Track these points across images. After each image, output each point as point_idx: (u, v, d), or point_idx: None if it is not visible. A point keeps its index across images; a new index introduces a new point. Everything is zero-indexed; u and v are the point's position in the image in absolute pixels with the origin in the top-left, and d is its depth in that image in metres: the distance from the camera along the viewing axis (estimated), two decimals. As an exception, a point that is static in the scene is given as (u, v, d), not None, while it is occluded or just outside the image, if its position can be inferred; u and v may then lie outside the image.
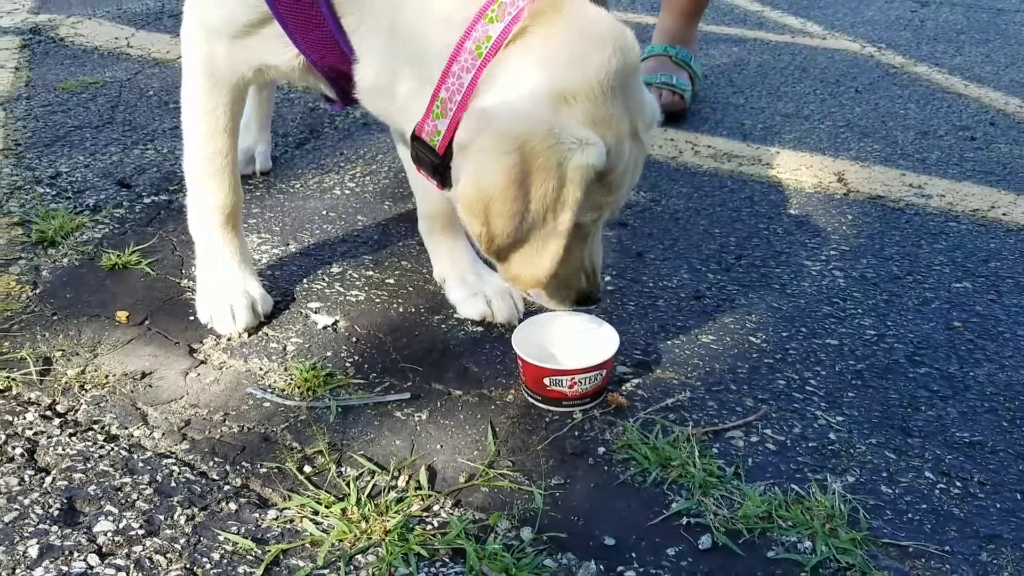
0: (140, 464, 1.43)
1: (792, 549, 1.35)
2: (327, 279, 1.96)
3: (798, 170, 2.68)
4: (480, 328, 1.84)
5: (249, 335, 1.76)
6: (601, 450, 1.53)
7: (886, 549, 1.36)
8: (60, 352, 1.69)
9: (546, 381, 1.58)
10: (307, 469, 1.44)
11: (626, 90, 1.29)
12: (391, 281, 1.97)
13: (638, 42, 1.37)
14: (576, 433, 1.57)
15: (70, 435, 1.49)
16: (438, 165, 1.40)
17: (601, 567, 1.31)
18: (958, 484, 1.49)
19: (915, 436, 1.60)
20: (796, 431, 1.60)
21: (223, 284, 1.77)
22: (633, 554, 1.33)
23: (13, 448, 1.45)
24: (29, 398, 1.57)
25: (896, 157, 2.83)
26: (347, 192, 2.33)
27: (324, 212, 2.24)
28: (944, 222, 2.41)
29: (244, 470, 1.44)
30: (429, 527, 1.35)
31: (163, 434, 1.51)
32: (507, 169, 1.24)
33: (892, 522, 1.41)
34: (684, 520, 1.40)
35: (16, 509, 1.33)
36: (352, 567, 1.27)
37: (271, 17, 1.45)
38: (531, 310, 1.85)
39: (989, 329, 1.93)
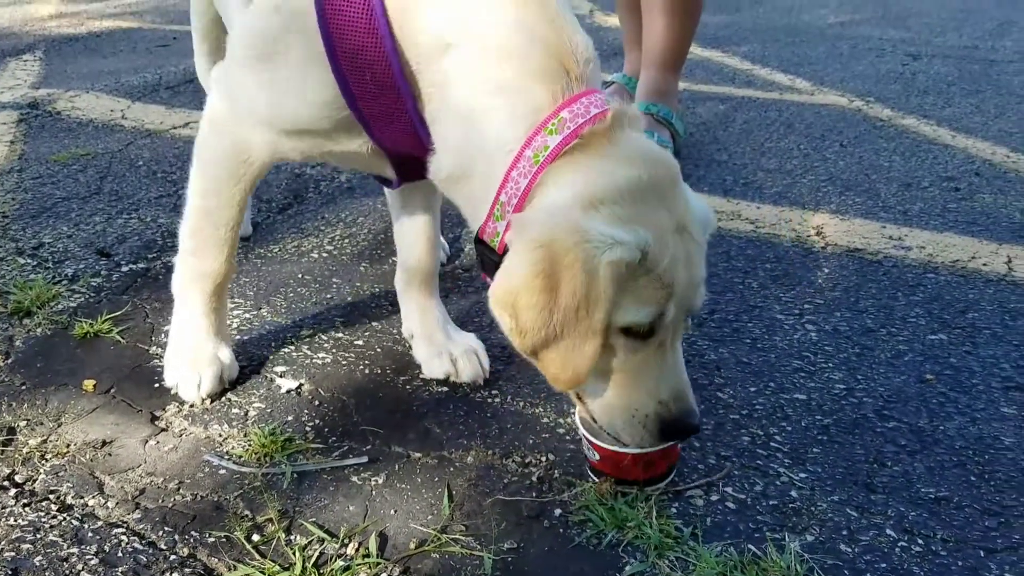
0: (90, 534, 1.43)
1: (745, 612, 1.32)
2: (295, 342, 1.97)
3: (776, 224, 2.69)
4: (445, 388, 1.83)
5: (212, 401, 1.77)
6: (558, 512, 1.52)
7: (842, 611, 1.32)
8: (25, 422, 1.70)
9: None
10: (256, 538, 1.43)
11: (663, 196, 1.35)
12: (359, 342, 1.98)
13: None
14: (533, 495, 1.55)
15: (24, 505, 1.49)
16: (496, 264, 1.42)
17: (548, 634, 1.28)
18: (920, 542, 1.46)
19: (879, 492, 1.56)
20: (757, 489, 1.57)
21: (196, 350, 1.78)
22: (582, 620, 1.31)
23: (-34, 519, 1.46)
24: (-12, 468, 1.58)
25: (877, 209, 2.83)
26: (324, 255, 2.36)
27: (300, 276, 2.26)
28: (923, 274, 2.40)
29: (192, 539, 1.43)
30: (374, 594, 1.33)
31: (117, 503, 1.51)
32: (534, 264, 1.29)
33: (850, 583, 1.37)
34: (637, 584, 1.37)
35: (-39, 581, 1.33)
36: (290, 637, 1.25)
37: (353, 121, 1.49)
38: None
39: (962, 381, 1.90)
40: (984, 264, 2.46)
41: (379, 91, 1.42)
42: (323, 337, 1.99)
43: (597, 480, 1.57)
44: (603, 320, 1.30)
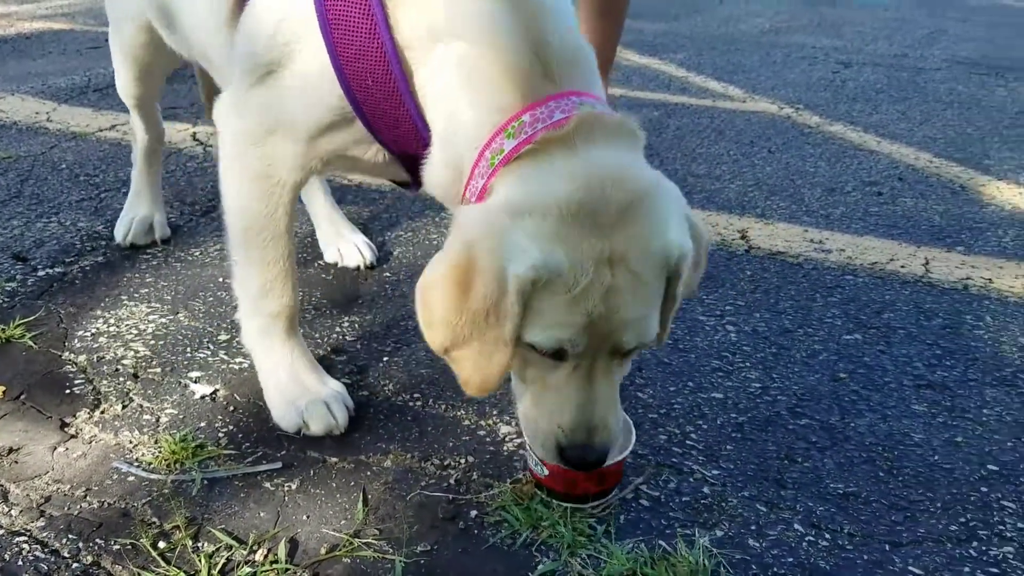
0: (-12, 544, 1.39)
1: (652, 609, 1.33)
2: (212, 347, 1.94)
3: (703, 228, 2.73)
4: (366, 392, 1.82)
5: (123, 407, 1.73)
6: (474, 513, 1.51)
7: (747, 605, 1.34)
8: (-74, 430, 1.65)
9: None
10: (162, 545, 1.40)
11: (600, 221, 1.25)
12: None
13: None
14: (450, 497, 1.55)
15: (-80, 516, 1.44)
16: None
17: (456, 635, 1.28)
18: (827, 536, 1.49)
19: (789, 488, 1.59)
20: (671, 486, 1.59)
21: (307, 387, 1.71)
22: (491, 620, 1.31)
23: None
24: None
25: (801, 214, 2.89)
26: (246, 260, 2.33)
27: (220, 279, 2.22)
28: (841, 275, 2.45)
29: (97, 547, 1.40)
30: (281, 600, 1.31)
31: (21, 511, 1.46)
32: (453, 260, 1.29)
33: (756, 577, 1.39)
34: (548, 583, 1.37)
35: None
36: (191, 645, 1.23)
37: (353, 118, 1.47)
38: (415, 373, 1.83)
39: (875, 380, 1.95)
40: (902, 266, 2.53)
41: (382, 96, 1.42)
42: (240, 342, 1.96)
43: (546, 495, 1.53)
44: (511, 332, 1.27)
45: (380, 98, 1.42)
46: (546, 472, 1.51)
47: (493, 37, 1.36)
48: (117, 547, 1.39)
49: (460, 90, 1.37)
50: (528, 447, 1.52)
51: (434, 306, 1.32)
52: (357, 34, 1.39)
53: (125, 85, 2.36)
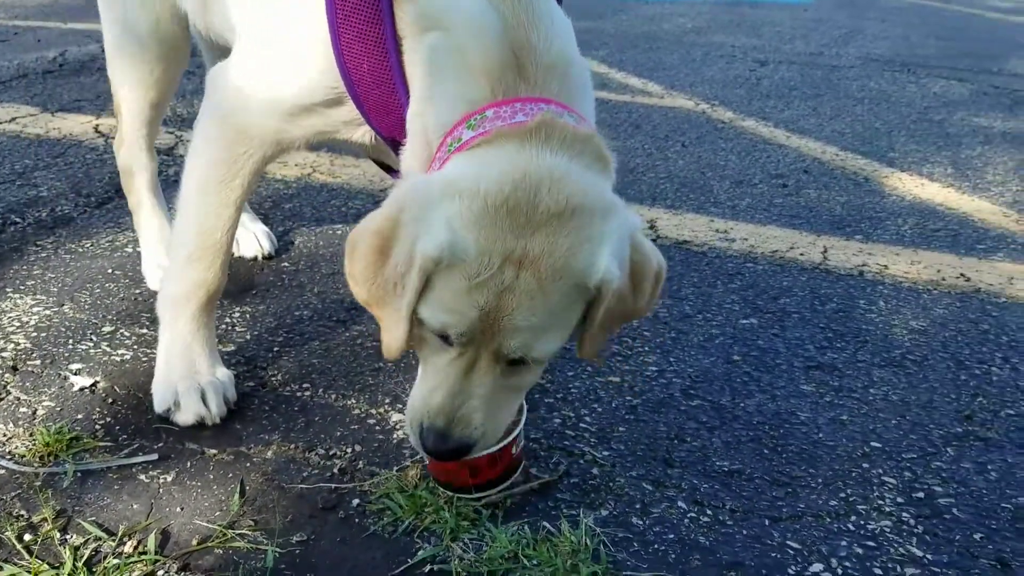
0: None
1: (530, 589, 1.32)
2: (95, 338, 1.88)
3: (611, 218, 2.74)
4: (252, 383, 1.78)
5: (-4, 401, 1.66)
6: (356, 502, 1.49)
7: (625, 582, 1.34)
8: None
9: None
10: (28, 538, 1.35)
11: (523, 224, 1.22)
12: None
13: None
14: (333, 487, 1.52)
15: None
16: None
17: (329, 622, 1.25)
18: (709, 512, 1.50)
19: (676, 467, 1.60)
20: (561, 468, 1.58)
21: (191, 370, 1.65)
22: (366, 607, 1.28)
23: None
24: None
25: (709, 205, 2.93)
26: (139, 250, 2.26)
27: (110, 271, 2.16)
28: (743, 263, 2.49)
29: (-45, 543, 1.33)
30: (147, 592, 1.27)
31: None
32: (381, 220, 1.29)
33: (637, 554, 1.40)
34: (428, 568, 1.36)
35: None
36: (44, 640, 1.18)
37: (343, 99, 1.45)
38: (306, 362, 1.80)
39: (767, 362, 1.98)
40: (801, 254, 2.57)
41: (375, 82, 1.40)
42: (126, 333, 1.90)
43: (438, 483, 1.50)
44: (409, 307, 1.27)
45: (372, 83, 1.41)
46: (426, 463, 1.49)
47: (476, 31, 1.35)
48: (-23, 543, 1.34)
49: (436, 77, 1.37)
50: None
51: (356, 255, 1.32)
52: (360, 18, 1.38)
53: (142, 98, 2.04)
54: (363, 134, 1.53)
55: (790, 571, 1.38)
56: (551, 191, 1.23)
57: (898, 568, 1.40)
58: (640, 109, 4.08)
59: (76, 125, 3.21)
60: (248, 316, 2.02)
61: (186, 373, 1.65)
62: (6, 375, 1.75)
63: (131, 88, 2.02)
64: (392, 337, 1.31)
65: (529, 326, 1.24)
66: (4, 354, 1.81)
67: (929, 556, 1.43)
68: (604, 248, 1.25)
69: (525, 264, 1.22)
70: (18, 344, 1.85)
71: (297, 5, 1.46)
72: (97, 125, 3.22)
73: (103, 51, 2.08)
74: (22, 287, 2.07)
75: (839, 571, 1.39)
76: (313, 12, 1.41)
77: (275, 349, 1.90)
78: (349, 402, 1.74)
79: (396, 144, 1.51)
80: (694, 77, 4.83)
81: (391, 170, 1.67)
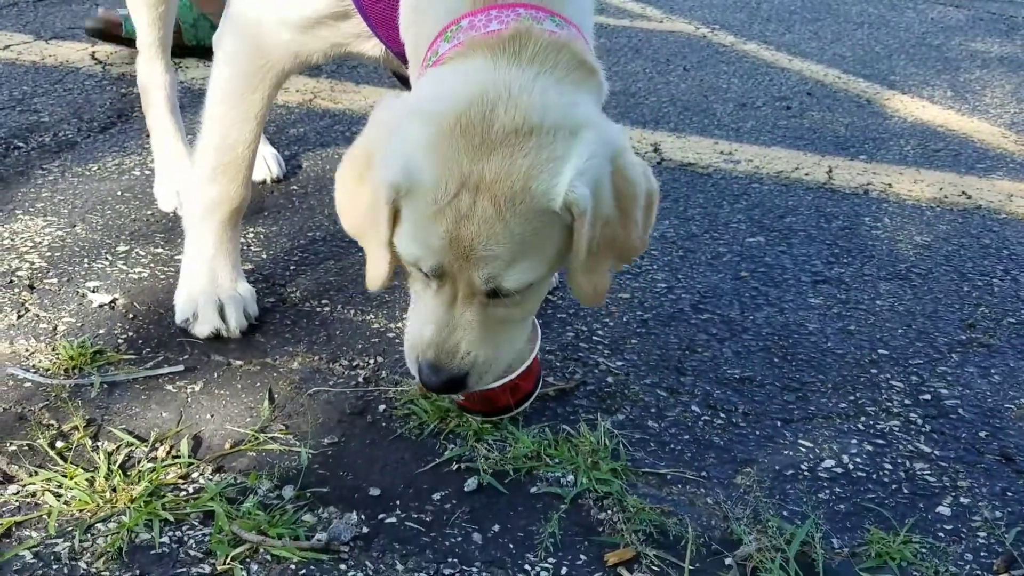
0: None
1: (555, 483, 1.37)
2: (111, 258, 1.89)
3: (616, 140, 2.74)
4: (272, 299, 1.80)
5: (18, 317, 1.68)
6: (382, 408, 1.52)
7: (645, 478, 1.39)
8: None
9: None
10: (59, 445, 1.38)
11: (479, 144, 1.15)
12: (180, 257, 1.91)
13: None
14: (359, 394, 1.55)
15: None
16: None
17: (362, 516, 1.29)
18: (722, 416, 1.54)
19: (688, 375, 1.64)
20: (577, 377, 1.62)
21: (213, 284, 1.67)
22: (397, 501, 1.33)
23: None
24: None
25: (712, 127, 2.93)
26: (147, 173, 2.26)
27: (119, 193, 2.16)
28: (748, 184, 2.51)
29: (-9, 450, 1.37)
30: (183, 493, 1.31)
31: (-92, 421, 1.42)
32: (357, 147, 1.28)
33: (654, 453, 1.44)
34: (455, 466, 1.40)
35: None
36: (89, 535, 1.21)
37: (350, 13, 1.44)
38: (323, 278, 1.82)
39: (775, 277, 2.01)
40: (806, 174, 2.59)
41: None
42: (141, 252, 1.91)
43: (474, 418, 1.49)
44: (384, 238, 1.22)
45: None
46: (461, 397, 1.45)
47: None
48: (13, 448, 1.37)
49: None
50: None
51: (339, 192, 1.31)
52: None
53: (152, 7, 2.05)
54: (373, 46, 1.53)
55: (803, 467, 1.43)
56: (508, 109, 1.15)
57: (907, 463, 1.45)
58: (639, 34, 4.04)
59: (72, 52, 3.16)
60: (263, 236, 2.03)
61: (207, 286, 1.67)
62: (23, 293, 1.76)
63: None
64: (374, 270, 1.27)
65: (493, 256, 1.17)
66: (19, 273, 1.82)
67: (937, 452, 1.48)
68: (567, 167, 1.16)
69: (481, 189, 1.15)
70: (33, 263, 1.86)
71: None
72: (94, 52, 3.17)
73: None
74: (31, 209, 2.07)
75: (850, 466, 1.44)
76: None
77: (291, 267, 1.92)
78: (368, 317, 1.77)
79: (405, 57, 1.51)
80: (693, 1, 4.76)
81: (408, 82, 1.67)
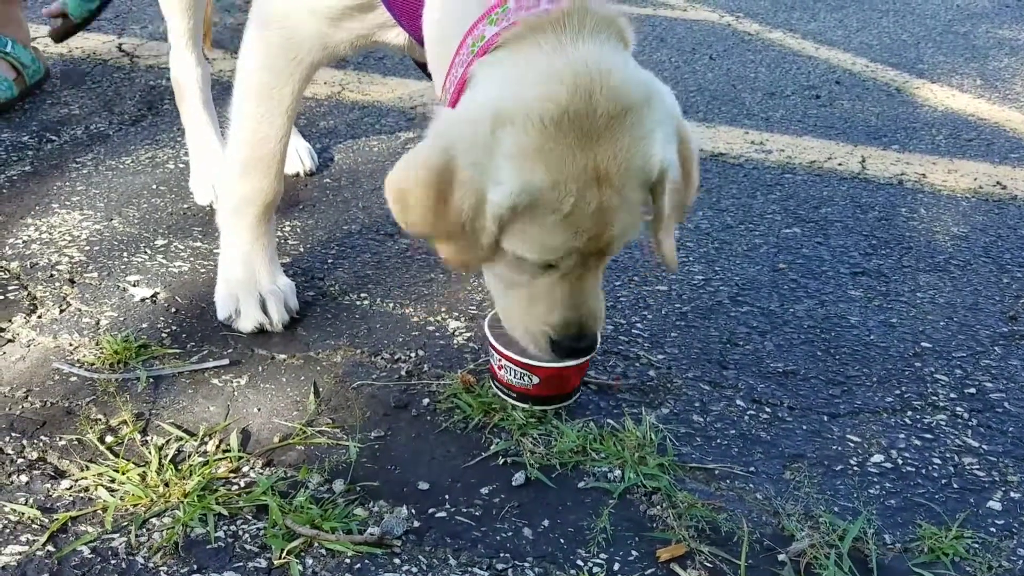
0: (-74, 445, 1.35)
1: (602, 478, 1.37)
2: (150, 251, 1.89)
3: (646, 131, 2.73)
4: (312, 293, 1.80)
5: (60, 311, 1.68)
6: (426, 401, 1.52)
7: (693, 473, 1.39)
8: None
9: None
10: (109, 439, 1.39)
11: (588, 133, 1.16)
12: (219, 251, 1.92)
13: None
14: (403, 387, 1.55)
15: None
16: None
17: (413, 511, 1.30)
18: (767, 410, 1.54)
19: (731, 369, 1.64)
20: (618, 371, 1.62)
21: (251, 279, 1.67)
22: (446, 496, 1.33)
23: None
24: None
25: (742, 117, 2.91)
26: (181, 166, 2.26)
27: (154, 186, 2.16)
28: (781, 174, 2.49)
29: (42, 444, 1.37)
30: (235, 487, 1.31)
31: (-42, 415, 1.43)
32: (431, 167, 1.20)
33: (701, 447, 1.44)
34: (501, 460, 1.40)
35: None
36: (145, 530, 1.22)
37: (375, 4, 1.44)
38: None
39: (813, 269, 2.00)
40: (839, 164, 2.57)
41: None
42: (179, 246, 1.92)
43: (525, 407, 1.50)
44: (489, 247, 1.23)
45: None
46: (536, 382, 1.46)
47: None
48: (63, 443, 1.37)
49: None
50: (505, 363, 1.47)
51: (410, 207, 1.25)
52: None
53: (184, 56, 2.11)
54: (397, 35, 1.51)
55: (851, 461, 1.42)
56: (604, 92, 1.15)
57: (956, 458, 1.44)
58: (663, 22, 4.01)
59: (99, 44, 3.16)
60: (299, 230, 2.03)
61: (246, 282, 1.67)
62: (64, 287, 1.77)
63: None
64: (469, 258, 1.27)
65: (625, 230, 1.24)
66: (59, 267, 1.83)
67: (985, 446, 1.47)
68: (656, 138, 1.20)
69: (601, 179, 1.17)
70: (72, 257, 1.86)
71: None
72: (120, 44, 3.18)
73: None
74: (67, 203, 2.08)
75: (899, 461, 1.43)
76: None
77: (329, 261, 1.92)
78: (407, 310, 1.77)
79: None
80: (715, -10, 4.73)
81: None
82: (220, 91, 2.58)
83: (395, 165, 1.27)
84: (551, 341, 1.33)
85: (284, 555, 1.20)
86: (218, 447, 1.39)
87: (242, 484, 1.32)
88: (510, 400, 1.51)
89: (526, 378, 1.47)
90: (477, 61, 1.23)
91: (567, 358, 1.37)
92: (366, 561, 1.21)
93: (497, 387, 1.52)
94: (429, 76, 1.66)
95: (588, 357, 1.45)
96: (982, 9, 4.66)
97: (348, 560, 1.21)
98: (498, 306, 1.41)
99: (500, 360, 1.48)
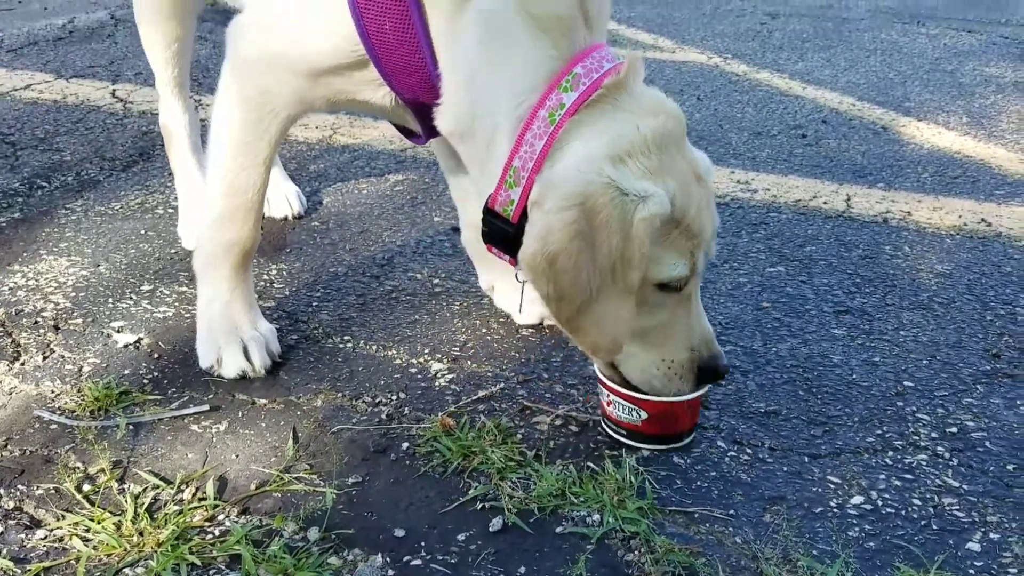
0: (-98, 495, 1.35)
1: (581, 523, 1.36)
2: (135, 297, 1.90)
3: (632, 171, 2.75)
4: (295, 336, 1.81)
5: (44, 358, 1.69)
6: (405, 445, 1.52)
7: (672, 516, 1.38)
8: None
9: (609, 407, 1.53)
10: (86, 488, 1.38)
11: (680, 145, 1.37)
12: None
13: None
14: (382, 431, 1.55)
15: None
16: (511, 236, 1.39)
17: (388, 559, 1.29)
18: (749, 451, 1.53)
19: (712, 409, 1.64)
20: (599, 412, 1.62)
21: (233, 326, 1.67)
22: (422, 543, 1.32)
23: None
24: None
25: (728, 156, 2.94)
26: (171, 211, 2.28)
27: (143, 232, 2.18)
28: (766, 213, 2.51)
29: (19, 493, 1.37)
30: (209, 536, 1.31)
31: (-63, 464, 1.43)
32: (569, 224, 1.28)
33: (681, 490, 1.43)
34: (479, 505, 1.39)
35: None
36: (117, 580, 1.22)
37: (365, 62, 1.44)
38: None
39: (796, 308, 2.01)
40: (824, 202, 2.59)
41: (397, 42, 1.39)
42: (165, 292, 1.93)
43: (612, 434, 1.54)
44: (639, 279, 1.30)
45: (396, 43, 1.39)
46: (644, 417, 1.48)
47: None
48: (40, 492, 1.37)
49: (499, 43, 1.35)
50: (613, 398, 1.50)
51: (561, 275, 1.30)
52: None
53: (159, 40, 2.08)
54: (383, 95, 1.51)
55: (832, 503, 1.42)
56: (671, 114, 1.36)
57: (936, 498, 1.43)
58: (653, 64, 4.06)
59: (92, 91, 3.21)
60: (285, 273, 2.04)
61: (227, 329, 1.67)
62: (49, 334, 1.78)
63: (154, 29, 2.06)
64: (618, 325, 1.36)
65: (718, 225, 1.43)
66: (44, 314, 1.84)
67: (965, 487, 1.46)
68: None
69: (699, 178, 1.38)
70: (58, 304, 1.87)
71: None
72: (114, 90, 3.23)
73: (112, 18, 2.10)
74: (55, 249, 2.09)
75: (879, 502, 1.42)
76: None
77: (314, 304, 1.93)
78: (390, 352, 1.77)
79: (418, 105, 1.51)
80: (705, 31, 4.80)
81: (411, 133, 1.67)
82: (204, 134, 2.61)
83: (525, 245, 1.33)
84: (696, 368, 1.44)
85: (256, 604, 1.19)
86: (194, 495, 1.38)
87: (217, 533, 1.32)
88: (621, 439, 1.52)
89: (634, 413, 1.48)
90: (569, 120, 1.33)
91: (708, 382, 1.47)
92: (340, 610, 1.20)
93: (607, 425, 1.54)
94: (409, 137, 1.68)
95: (699, 394, 1.48)
96: (969, 47, 4.73)
97: (321, 609, 1.20)
98: (627, 363, 1.46)
99: (608, 396, 1.51)
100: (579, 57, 1.35)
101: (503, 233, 1.41)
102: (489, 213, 1.42)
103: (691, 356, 1.43)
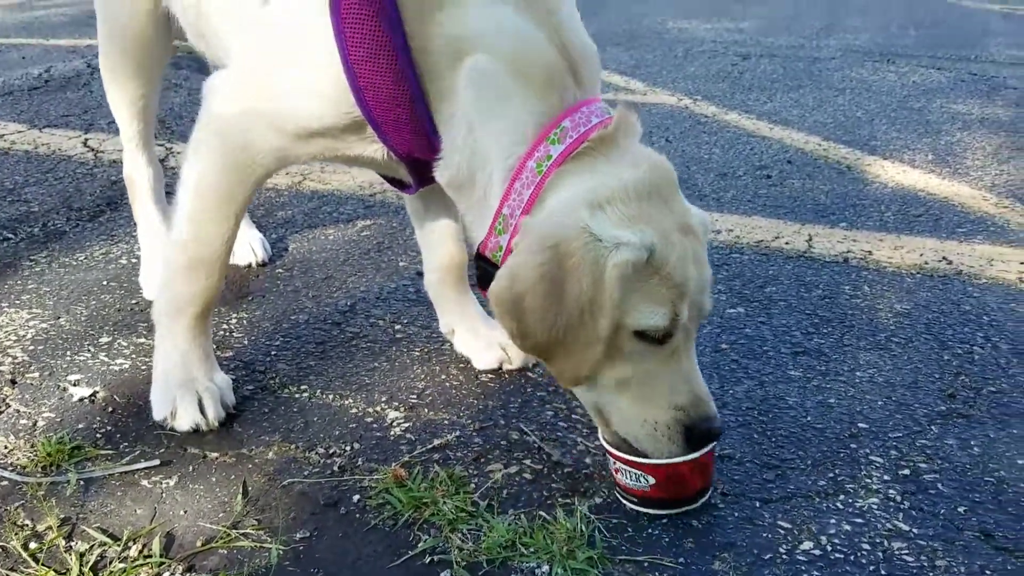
0: None
1: (529, 574, 1.35)
2: (93, 349, 1.90)
3: (598, 214, 2.78)
4: (251, 387, 1.81)
5: (-3, 413, 1.69)
6: (356, 498, 1.52)
7: (622, 565, 1.38)
8: None
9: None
10: (33, 546, 1.38)
11: (666, 198, 1.38)
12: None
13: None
14: (334, 484, 1.55)
15: None
16: None
17: (333, 615, 1.28)
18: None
19: (666, 455, 1.64)
20: (554, 459, 1.62)
21: (189, 377, 1.66)
22: (369, 599, 1.32)
23: None
24: None
25: (694, 198, 2.95)
26: (134, 260, 2.29)
27: (105, 282, 2.18)
28: (729, 254, 2.53)
29: (-38, 553, 1.36)
30: (153, 593, 1.30)
31: None
32: (538, 265, 1.30)
33: (631, 539, 1.43)
34: (428, 559, 1.39)
35: None
36: (55, 642, 1.20)
37: (363, 123, 1.44)
38: (302, 365, 1.83)
39: (754, 349, 2.02)
40: (786, 243, 2.62)
41: (394, 103, 1.40)
42: (123, 343, 1.93)
43: (643, 509, 1.49)
44: (607, 328, 1.31)
45: (393, 104, 1.41)
46: (652, 482, 1.45)
47: (525, 45, 1.38)
48: (-16, 551, 1.36)
49: (491, 100, 1.39)
50: (620, 466, 1.47)
51: (527, 314, 1.32)
52: (369, 36, 1.36)
53: (124, 98, 2.10)
54: (376, 150, 1.51)
55: (781, 550, 1.42)
56: (660, 168, 1.41)
57: (885, 543, 1.44)
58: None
59: (64, 140, 3.24)
60: (245, 322, 2.05)
61: (183, 381, 1.67)
62: (5, 388, 1.77)
63: (118, 87, 2.08)
64: (582, 365, 1.36)
65: (711, 280, 1.41)
66: (2, 368, 1.84)
67: (915, 530, 1.47)
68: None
69: (687, 230, 1.38)
70: (16, 357, 1.87)
71: (303, 37, 1.43)
72: (86, 140, 3.25)
73: (88, 67, 2.12)
74: (17, 301, 2.10)
75: (828, 548, 1.42)
76: (323, 32, 1.39)
77: (273, 353, 1.93)
78: (347, 401, 1.77)
79: (412, 160, 1.52)
80: (676, 73, 4.87)
81: (403, 185, 1.68)
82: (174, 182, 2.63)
83: (495, 282, 1.36)
84: (685, 429, 1.39)
85: (195, 665, 1.18)
86: (141, 552, 1.37)
87: (161, 590, 1.31)
88: (635, 507, 1.48)
89: (642, 479, 1.45)
90: (556, 171, 1.36)
91: (699, 446, 1.41)
92: (280, 669, 1.19)
93: (621, 494, 1.51)
94: (399, 188, 1.70)
95: (705, 451, 1.44)
96: (937, 84, 4.81)
97: (262, 668, 1.19)
98: (615, 417, 1.44)
99: (615, 463, 1.48)
100: (569, 111, 1.39)
101: (492, 278, 1.42)
102: (480, 258, 1.47)
103: (675, 416, 1.40)
